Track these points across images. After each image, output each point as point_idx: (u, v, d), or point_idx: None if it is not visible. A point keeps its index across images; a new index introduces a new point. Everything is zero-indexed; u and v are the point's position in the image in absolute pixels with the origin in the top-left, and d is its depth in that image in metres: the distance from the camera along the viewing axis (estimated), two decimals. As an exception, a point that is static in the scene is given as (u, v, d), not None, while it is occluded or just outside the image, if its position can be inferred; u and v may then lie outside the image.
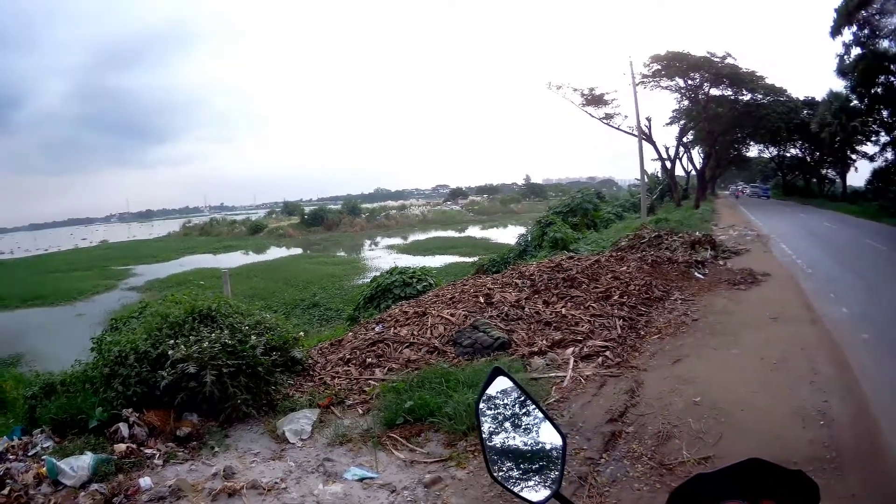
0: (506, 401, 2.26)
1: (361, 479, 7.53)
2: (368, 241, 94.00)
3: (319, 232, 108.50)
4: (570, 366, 10.69)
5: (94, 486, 7.55)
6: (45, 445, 9.14)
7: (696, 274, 17.45)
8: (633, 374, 10.12)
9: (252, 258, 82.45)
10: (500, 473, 2.18)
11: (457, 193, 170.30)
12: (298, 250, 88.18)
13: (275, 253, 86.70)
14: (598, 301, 13.94)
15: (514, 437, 2.19)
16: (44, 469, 8.01)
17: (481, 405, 2.28)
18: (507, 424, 2.23)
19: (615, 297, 14.09)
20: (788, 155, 79.46)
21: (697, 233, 24.28)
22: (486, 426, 2.24)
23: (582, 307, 13.59)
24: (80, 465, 7.94)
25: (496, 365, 3.05)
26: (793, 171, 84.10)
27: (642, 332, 12.45)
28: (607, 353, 11.21)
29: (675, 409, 8.38)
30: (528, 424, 2.19)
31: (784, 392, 8.66)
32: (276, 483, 7.62)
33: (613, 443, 7.60)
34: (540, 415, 2.16)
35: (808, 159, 77.11)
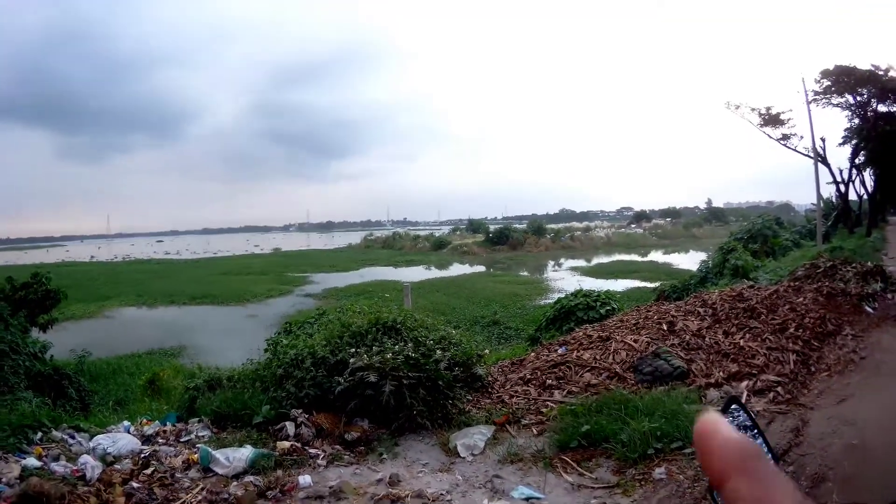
0: (736, 426, 2.09)
1: (528, 499, 7.42)
2: (552, 262, 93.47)
3: (503, 251, 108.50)
4: (744, 399, 10.21)
5: (249, 478, 7.69)
6: (200, 434, 9.42)
7: (866, 308, 16.65)
8: (799, 412, 9.62)
9: (434, 273, 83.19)
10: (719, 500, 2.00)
11: (640, 216, 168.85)
12: (481, 268, 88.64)
13: (457, 270, 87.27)
14: (774, 333, 13.34)
15: None
16: (195, 456, 8.21)
17: None
18: None
19: (791, 330, 13.46)
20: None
21: (869, 263, 23.15)
22: None
23: (759, 339, 13.04)
24: (237, 456, 8.13)
25: (733, 394, 2.91)
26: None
27: (813, 369, 11.85)
28: (779, 388, 10.72)
29: (833, 450, 7.93)
30: None
31: None
32: (440, 495, 7.58)
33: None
34: (763, 444, 1.98)
35: None
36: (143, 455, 8.34)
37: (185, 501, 6.93)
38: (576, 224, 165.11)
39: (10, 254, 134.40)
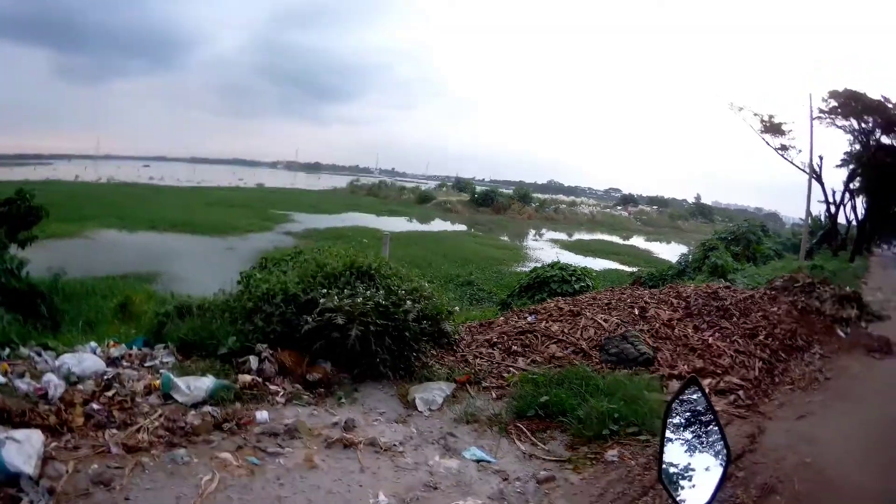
0: (692, 409, 2.24)
1: (478, 461, 7.57)
2: (534, 231, 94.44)
3: (487, 213, 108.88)
4: (704, 398, 10.33)
5: (207, 408, 7.74)
6: (164, 360, 9.46)
7: (838, 331, 16.77)
8: (758, 420, 9.71)
9: (415, 226, 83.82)
10: (665, 475, 2.14)
11: (627, 199, 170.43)
12: (463, 227, 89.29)
13: (439, 225, 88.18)
14: (743, 337, 13.44)
15: (686, 445, 2.21)
16: (157, 382, 8.25)
17: (673, 407, 2.26)
18: (685, 432, 2.25)
19: (760, 337, 13.55)
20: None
21: (847, 288, 23.31)
22: (669, 428, 2.22)
23: (728, 340, 13.17)
24: (198, 385, 8.16)
25: (692, 375, 3.02)
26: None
27: (777, 380, 11.95)
28: (741, 392, 10.80)
29: (786, 464, 7.96)
30: (703, 436, 2.18)
31: (889, 474, 8.18)
32: (393, 445, 7.69)
33: (722, 483, 7.31)
34: (717, 431, 2.11)
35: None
36: (106, 377, 8.36)
37: (142, 427, 6.96)
38: (562, 197, 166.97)
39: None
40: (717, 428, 2.22)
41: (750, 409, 10.19)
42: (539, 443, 8.24)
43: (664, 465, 2.26)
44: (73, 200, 68.82)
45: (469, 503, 6.34)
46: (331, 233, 59.79)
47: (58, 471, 5.77)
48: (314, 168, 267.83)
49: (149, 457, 6.35)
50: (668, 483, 2.23)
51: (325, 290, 10.37)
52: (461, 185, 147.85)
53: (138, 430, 6.88)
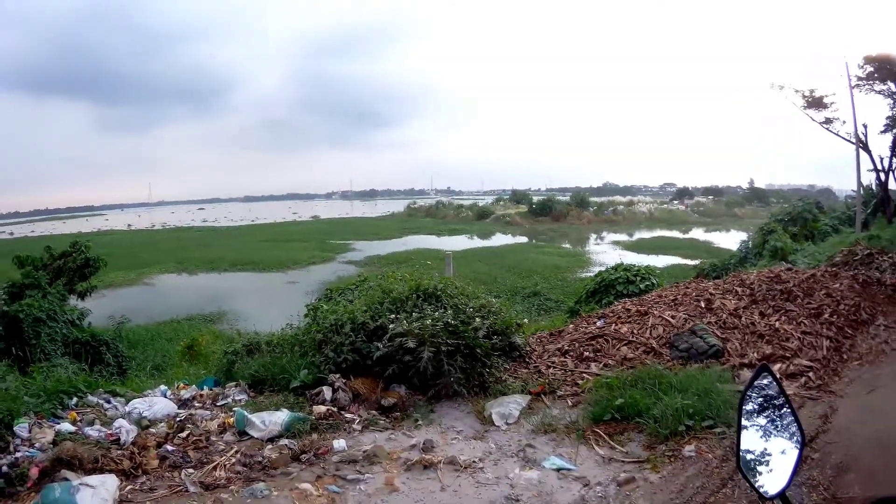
0: (765, 395, 2.22)
1: (559, 469, 7.51)
2: (594, 235, 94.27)
3: (546, 222, 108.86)
4: (776, 383, 10.18)
5: (284, 441, 7.83)
6: (237, 398, 9.58)
7: (899, 299, 16.48)
8: (829, 399, 9.59)
9: (476, 243, 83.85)
10: (744, 463, 2.12)
11: (683, 193, 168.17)
12: (524, 239, 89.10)
13: (500, 240, 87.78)
14: (809, 318, 13.24)
15: (762, 431, 2.23)
16: (231, 420, 8.36)
17: (747, 395, 2.40)
18: (760, 419, 2.24)
19: (825, 316, 13.34)
20: None
21: (905, 254, 22.83)
22: (744, 417, 2.23)
23: (794, 322, 12.96)
24: (273, 420, 8.27)
25: (763, 363, 3.02)
26: None
27: (845, 356, 11.74)
28: (811, 373, 10.67)
29: (858, 441, 7.89)
30: (778, 421, 2.17)
31: None
32: (473, 462, 7.68)
33: (799, 467, 7.18)
34: (790, 414, 2.07)
35: None
36: (178, 419, 8.49)
37: (218, 464, 7.05)
38: (619, 198, 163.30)
39: (50, 224, 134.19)
40: (790, 411, 2.21)
41: (820, 388, 10.10)
42: (617, 446, 8.17)
43: (741, 454, 2.24)
44: (130, 249, 70.44)
45: (551, 512, 6.30)
46: (393, 258, 60.09)
47: (135, 512, 5.83)
48: (369, 195, 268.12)
49: (227, 493, 6.43)
50: (746, 471, 2.23)
51: (393, 316, 10.42)
52: (518, 196, 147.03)
53: (215, 468, 6.97)
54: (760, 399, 2.35)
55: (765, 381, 2.34)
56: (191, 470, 6.92)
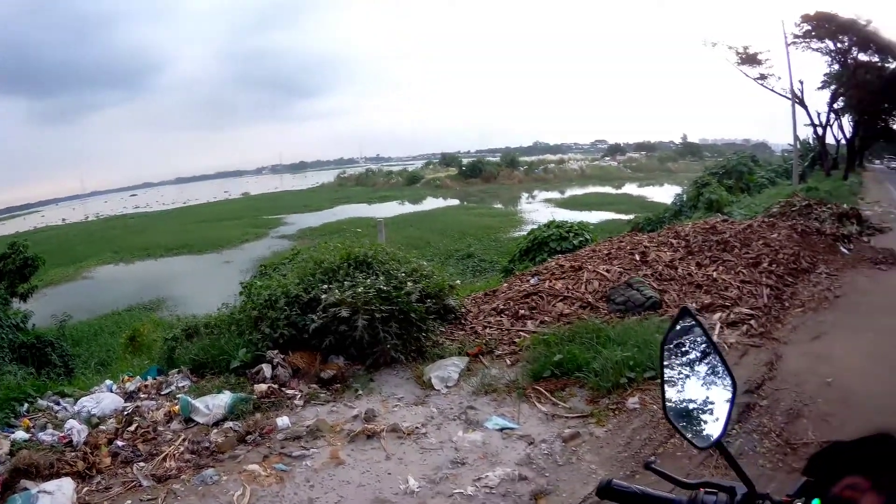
0: (688, 340, 2.22)
1: (502, 429, 7.62)
2: (526, 195, 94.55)
3: (477, 184, 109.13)
4: (717, 331, 10.49)
5: (229, 424, 7.84)
6: (180, 384, 9.52)
7: (841, 248, 16.81)
8: (773, 346, 9.80)
9: (408, 208, 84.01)
10: (672, 412, 2.14)
11: (615, 149, 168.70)
12: (455, 201, 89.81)
13: (431, 204, 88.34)
14: (748, 267, 13.53)
15: (689, 378, 2.21)
16: (177, 407, 8.34)
17: (666, 342, 2.29)
18: (686, 365, 2.23)
19: (764, 265, 13.66)
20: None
21: (845, 205, 23.20)
22: (667, 364, 2.27)
23: (732, 272, 13.24)
24: (216, 403, 8.26)
25: (685, 305, 3.01)
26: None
27: (787, 304, 12.03)
28: (752, 321, 10.89)
29: (808, 387, 8.07)
30: (705, 367, 2.18)
31: None
32: (416, 428, 7.76)
33: (747, 415, 7.45)
34: (717, 359, 2.10)
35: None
36: (126, 412, 8.44)
37: (168, 454, 7.05)
38: (549, 156, 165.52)
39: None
40: (717, 356, 2.19)
41: (763, 336, 10.26)
42: (559, 402, 8.29)
43: (668, 404, 2.25)
44: (66, 244, 69.66)
45: (498, 472, 6.40)
46: (326, 229, 60.11)
47: (93, 514, 5.85)
48: (299, 167, 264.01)
49: (179, 483, 6.46)
50: (675, 421, 2.20)
51: (325, 286, 10.44)
52: (447, 160, 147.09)
53: (165, 459, 6.97)
54: (684, 344, 2.36)
55: (688, 325, 2.33)
56: (142, 463, 6.91)
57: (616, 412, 7.76)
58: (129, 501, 6.07)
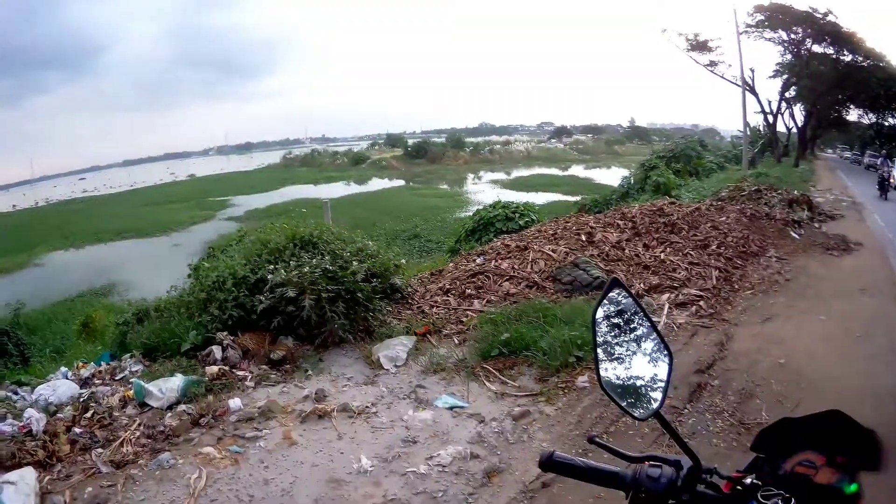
0: (620, 312, 2.27)
1: (451, 408, 7.73)
2: (472, 176, 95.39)
3: (422, 164, 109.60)
4: (665, 312, 10.70)
5: (182, 407, 7.88)
6: (133, 369, 9.56)
7: (792, 233, 17.10)
8: (723, 327, 10.05)
9: (353, 189, 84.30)
10: (608, 384, 2.21)
11: (561, 131, 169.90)
12: (401, 182, 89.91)
13: (377, 184, 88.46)
14: (696, 249, 13.85)
15: (624, 350, 2.22)
16: (131, 392, 8.39)
17: (598, 314, 2.29)
18: (620, 336, 2.25)
19: (713, 247, 13.98)
20: (887, 124, 75.95)
21: (796, 191, 23.52)
22: (601, 336, 2.27)
23: (680, 254, 13.53)
24: (169, 387, 8.29)
25: (614, 276, 3.06)
26: (891, 141, 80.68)
27: (736, 286, 12.30)
28: (701, 302, 11.18)
29: (759, 367, 8.31)
30: (639, 338, 2.21)
31: (862, 368, 8.30)
32: (366, 407, 7.86)
33: (698, 394, 7.63)
34: (651, 329, 2.16)
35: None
36: (82, 399, 8.45)
37: (124, 439, 7.08)
38: (495, 138, 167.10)
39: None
40: (650, 326, 2.25)
41: (713, 317, 10.52)
42: (508, 380, 8.43)
43: (604, 374, 2.29)
44: (16, 230, 68.25)
45: (450, 450, 6.54)
46: (272, 210, 59.31)
47: (56, 503, 5.91)
48: (245, 148, 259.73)
49: (137, 468, 6.51)
50: (612, 393, 2.24)
51: (272, 267, 10.50)
52: (393, 140, 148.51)
53: (122, 444, 7.01)
54: (616, 315, 2.40)
55: (619, 297, 2.36)
56: (100, 450, 6.92)
57: (566, 391, 7.90)
58: (90, 488, 6.11)
